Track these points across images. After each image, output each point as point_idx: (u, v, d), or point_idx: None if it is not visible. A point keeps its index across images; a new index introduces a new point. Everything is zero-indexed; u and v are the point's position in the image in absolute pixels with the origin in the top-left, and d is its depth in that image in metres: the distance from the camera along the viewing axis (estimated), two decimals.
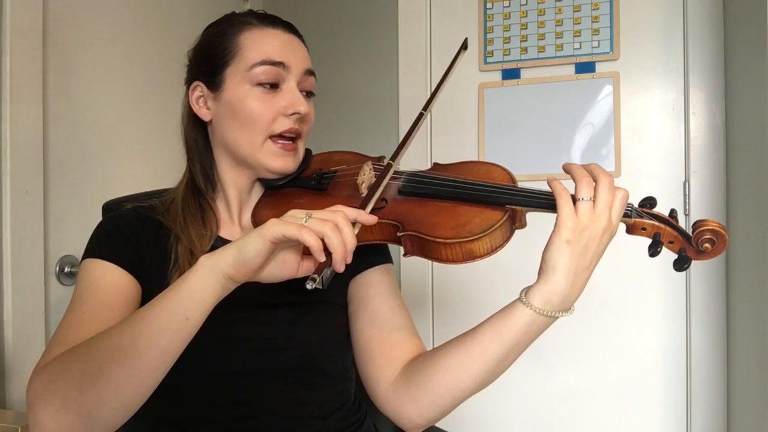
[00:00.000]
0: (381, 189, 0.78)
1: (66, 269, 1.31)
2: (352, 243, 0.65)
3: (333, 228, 0.64)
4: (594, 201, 0.70)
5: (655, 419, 1.71)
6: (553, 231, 0.71)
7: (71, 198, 1.34)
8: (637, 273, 1.71)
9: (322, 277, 0.64)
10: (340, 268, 0.65)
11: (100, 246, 0.84)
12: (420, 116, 0.87)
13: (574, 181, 0.72)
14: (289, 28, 0.90)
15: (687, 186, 1.68)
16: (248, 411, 0.81)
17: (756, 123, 1.43)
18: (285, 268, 0.69)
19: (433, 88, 0.90)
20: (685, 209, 1.68)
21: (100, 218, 0.99)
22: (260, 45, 0.85)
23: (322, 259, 0.64)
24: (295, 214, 0.67)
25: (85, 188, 1.37)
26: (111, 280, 0.80)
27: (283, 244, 0.66)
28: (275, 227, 0.64)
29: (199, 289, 0.65)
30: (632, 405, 1.72)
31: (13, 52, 1.19)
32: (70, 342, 0.71)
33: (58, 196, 1.31)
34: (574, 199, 0.70)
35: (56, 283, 1.30)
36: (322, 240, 0.64)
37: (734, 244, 1.56)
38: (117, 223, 0.87)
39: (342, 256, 0.64)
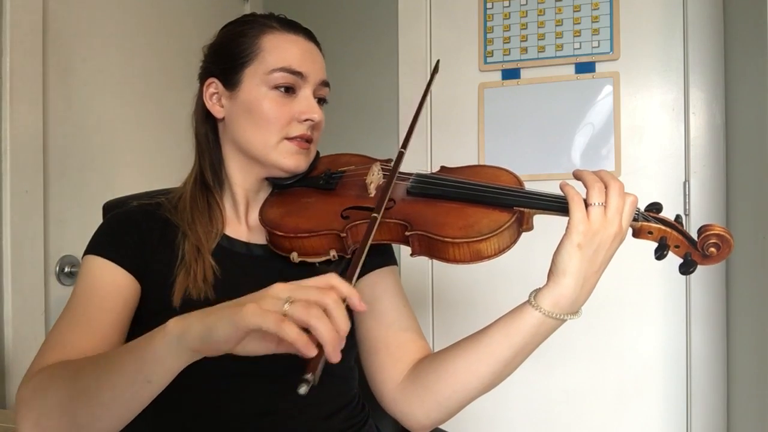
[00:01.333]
0: (369, 242, 0.70)
1: (66, 269, 1.31)
2: (345, 327, 0.54)
3: (319, 316, 0.53)
4: (605, 206, 0.71)
5: (655, 419, 1.71)
6: (565, 234, 0.71)
7: (71, 198, 1.34)
8: (638, 273, 1.71)
9: (315, 374, 0.53)
10: (335, 358, 0.54)
11: (103, 243, 0.84)
12: (400, 155, 0.85)
13: (586, 186, 0.73)
14: (309, 35, 0.91)
15: (687, 186, 1.68)
16: (250, 412, 0.81)
17: (756, 123, 1.43)
18: (262, 345, 0.58)
19: (414, 115, 0.90)
20: (685, 209, 1.68)
21: (100, 218, 0.99)
22: (281, 51, 0.86)
23: (311, 354, 0.53)
24: (277, 295, 0.55)
25: (85, 188, 1.37)
26: (109, 281, 0.80)
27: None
28: (251, 317, 0.53)
29: (163, 355, 0.60)
30: (632, 405, 1.72)
31: (13, 52, 1.19)
32: (61, 346, 0.73)
33: (58, 196, 1.31)
34: (586, 204, 0.71)
35: (56, 283, 1.30)
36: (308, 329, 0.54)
37: (734, 245, 1.56)
38: (121, 221, 0.87)
39: (334, 346, 0.53)
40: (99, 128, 1.42)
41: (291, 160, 0.87)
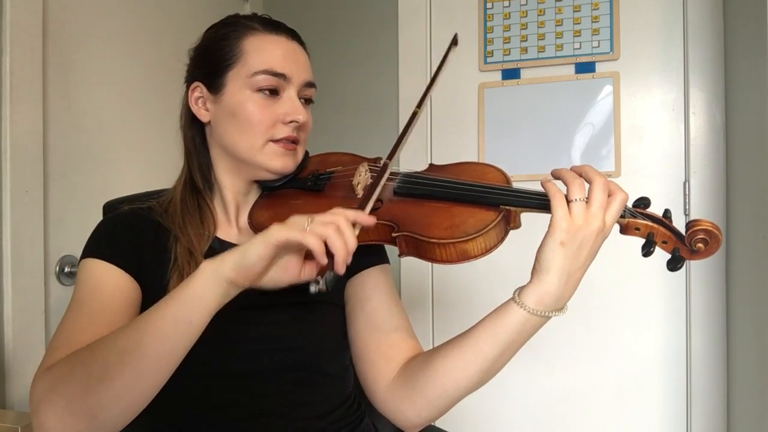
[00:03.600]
0: (379, 189, 0.78)
1: (66, 269, 1.31)
2: (353, 244, 0.65)
3: (335, 230, 0.65)
4: (588, 202, 0.70)
5: (655, 419, 1.71)
6: (547, 232, 0.71)
7: (71, 198, 1.34)
8: (637, 273, 1.71)
9: (325, 280, 0.64)
10: (342, 269, 0.65)
11: (100, 246, 0.84)
12: (414, 114, 0.87)
13: (565, 183, 0.72)
14: (292, 35, 0.90)
15: (687, 186, 1.68)
16: (247, 412, 0.82)
17: (756, 123, 1.43)
18: (287, 273, 0.69)
19: (426, 86, 0.90)
20: (685, 209, 1.68)
21: (100, 218, 0.99)
22: (263, 53, 0.85)
23: (325, 261, 0.64)
24: (298, 220, 0.66)
25: (85, 188, 1.37)
26: (112, 282, 0.80)
27: (285, 249, 0.66)
28: (279, 232, 0.64)
29: (202, 293, 0.65)
30: (632, 405, 1.72)
31: (13, 52, 1.19)
32: (72, 344, 0.71)
33: (58, 196, 1.31)
34: (568, 200, 0.70)
35: (56, 283, 1.30)
36: (324, 243, 0.64)
37: (734, 244, 1.56)
38: (116, 224, 0.87)
39: (344, 258, 0.64)
40: (99, 128, 1.42)
41: (278, 161, 0.87)
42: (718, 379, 1.63)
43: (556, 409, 1.78)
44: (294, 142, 0.88)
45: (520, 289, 0.74)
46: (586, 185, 0.72)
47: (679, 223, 0.73)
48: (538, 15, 1.80)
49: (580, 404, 1.76)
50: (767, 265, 1.33)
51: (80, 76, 1.37)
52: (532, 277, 0.73)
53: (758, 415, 1.41)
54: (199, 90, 0.89)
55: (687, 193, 1.67)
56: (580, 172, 0.72)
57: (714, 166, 1.65)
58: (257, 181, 0.92)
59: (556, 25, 1.79)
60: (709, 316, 1.64)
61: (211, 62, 0.88)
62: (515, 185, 0.79)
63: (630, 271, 1.70)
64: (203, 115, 0.89)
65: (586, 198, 0.70)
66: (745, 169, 1.52)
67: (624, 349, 1.73)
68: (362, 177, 0.86)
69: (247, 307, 0.82)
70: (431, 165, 0.90)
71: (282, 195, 0.91)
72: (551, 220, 0.70)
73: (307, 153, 0.95)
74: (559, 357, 1.76)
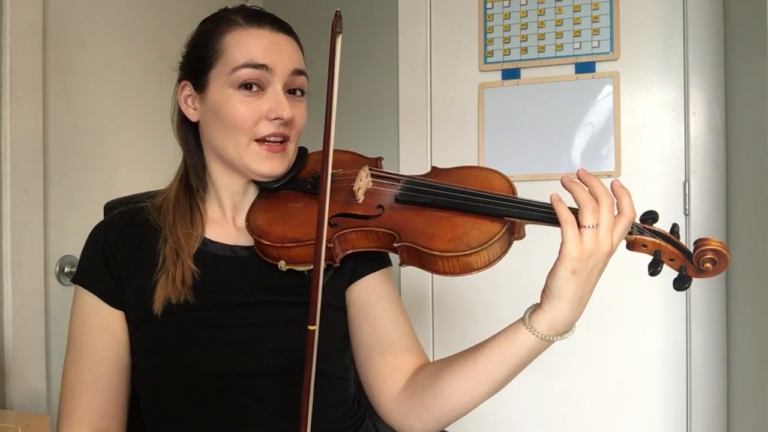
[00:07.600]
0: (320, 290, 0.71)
1: (66, 269, 1.31)
2: None
3: None
4: (597, 225, 0.68)
5: (655, 419, 1.71)
6: (558, 260, 0.69)
7: (71, 198, 1.34)
8: (637, 273, 1.70)
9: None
10: None
11: (87, 272, 0.86)
12: (324, 166, 0.70)
13: (578, 204, 0.69)
14: (278, 25, 0.87)
15: (687, 186, 1.68)
16: (246, 413, 0.81)
17: (756, 123, 1.43)
18: None
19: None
20: (685, 209, 1.68)
21: (100, 218, 0.99)
22: (244, 47, 0.82)
23: None
24: None
25: (85, 188, 1.37)
26: (97, 320, 0.84)
27: None
28: None
29: None
30: (632, 405, 1.72)
31: (13, 52, 1.19)
32: (77, 411, 0.81)
33: (58, 196, 1.31)
34: (579, 225, 0.68)
35: (56, 283, 1.30)
36: None
37: (734, 245, 1.56)
38: (99, 242, 0.87)
39: None
40: (99, 128, 1.42)
41: (263, 165, 0.84)
42: (718, 379, 1.63)
43: (556, 409, 1.78)
44: (283, 140, 0.85)
45: (531, 314, 0.73)
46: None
47: (678, 223, 0.73)
48: (538, 15, 1.80)
49: (581, 404, 1.76)
50: (767, 266, 1.33)
51: (80, 76, 1.37)
52: (542, 303, 0.72)
53: (758, 415, 1.41)
54: (188, 88, 0.88)
55: (687, 193, 1.67)
56: (588, 188, 0.70)
57: (714, 166, 1.65)
58: (255, 181, 0.90)
59: (556, 25, 1.79)
60: (709, 316, 1.64)
61: (195, 61, 0.86)
62: (517, 185, 0.78)
63: (630, 272, 1.70)
64: (192, 114, 0.88)
65: (597, 223, 0.68)
66: (745, 169, 1.52)
67: (624, 349, 1.73)
68: (363, 182, 0.83)
69: (243, 308, 0.82)
70: (434, 168, 0.87)
71: (280, 197, 0.88)
72: (562, 247, 0.68)
73: (305, 150, 0.92)
74: (560, 357, 1.76)
